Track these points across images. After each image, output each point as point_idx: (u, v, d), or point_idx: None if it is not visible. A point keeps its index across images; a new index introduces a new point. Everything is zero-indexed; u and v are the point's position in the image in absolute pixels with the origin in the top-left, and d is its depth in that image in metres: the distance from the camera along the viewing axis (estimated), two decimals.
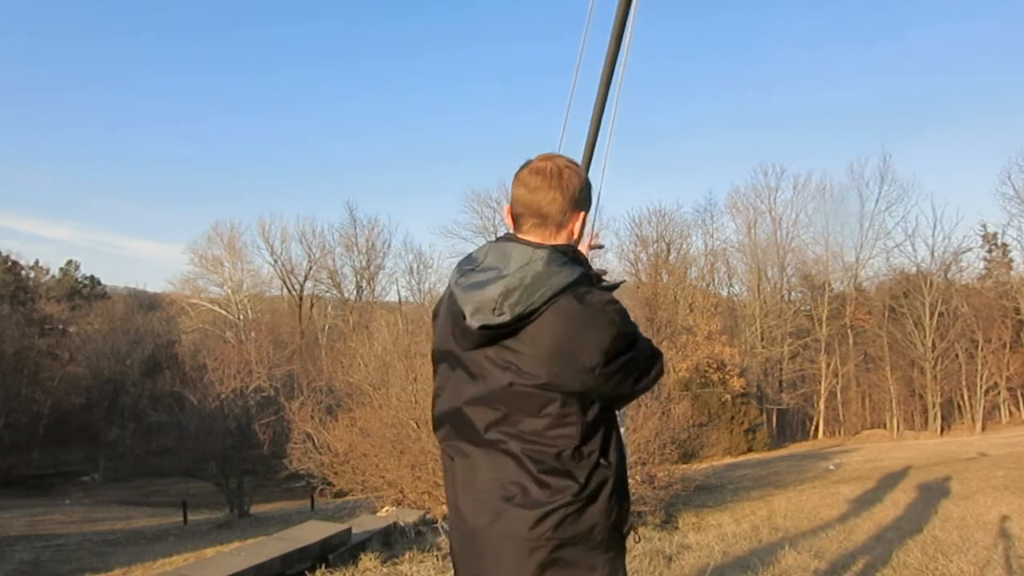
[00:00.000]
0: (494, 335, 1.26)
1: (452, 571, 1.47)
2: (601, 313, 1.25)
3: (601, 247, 2.39)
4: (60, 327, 35.16)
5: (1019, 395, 33.69)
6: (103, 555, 11.93)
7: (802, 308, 38.04)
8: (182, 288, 39.30)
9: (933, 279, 33.67)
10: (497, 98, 64.35)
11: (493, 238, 1.40)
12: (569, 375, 1.24)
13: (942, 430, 32.92)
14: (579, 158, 1.86)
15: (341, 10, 62.60)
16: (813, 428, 35.94)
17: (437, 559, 4.54)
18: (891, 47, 55.77)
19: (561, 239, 1.35)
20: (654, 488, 10.79)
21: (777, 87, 60.22)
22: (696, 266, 39.68)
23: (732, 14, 59.37)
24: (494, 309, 1.22)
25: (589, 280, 1.31)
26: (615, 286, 1.42)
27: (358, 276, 41.72)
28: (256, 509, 19.02)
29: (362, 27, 62.65)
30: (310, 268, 40.63)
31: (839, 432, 35.07)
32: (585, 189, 1.37)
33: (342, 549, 4.85)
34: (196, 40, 61.08)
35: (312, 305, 41.37)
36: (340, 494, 12.57)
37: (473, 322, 1.25)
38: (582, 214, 1.37)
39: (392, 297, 40.88)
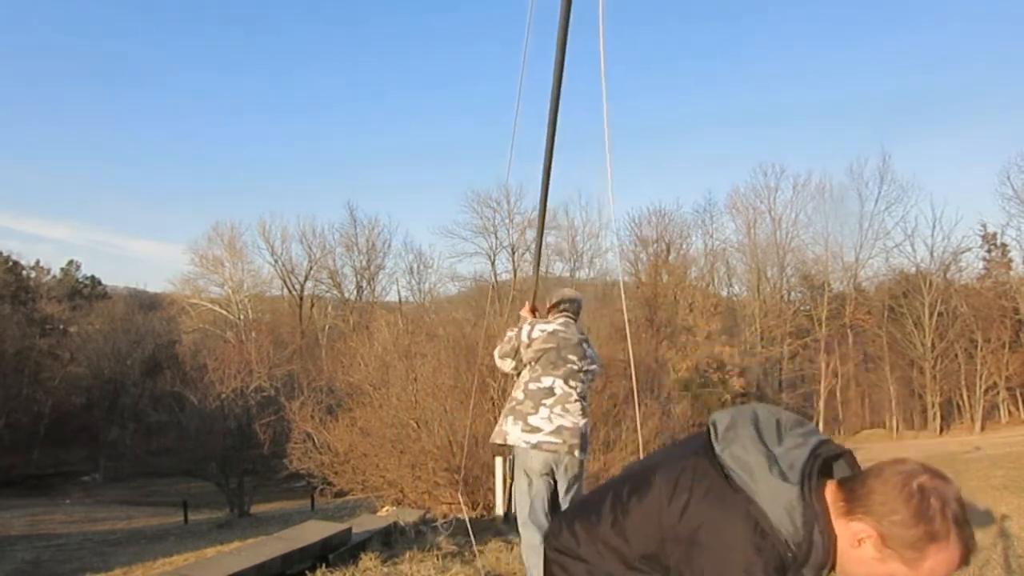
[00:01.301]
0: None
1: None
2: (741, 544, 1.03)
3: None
4: (61, 327, 35.18)
5: (1018, 395, 33.69)
6: (104, 555, 11.94)
7: (802, 308, 38.04)
8: (182, 288, 39.32)
9: (932, 279, 33.67)
10: (498, 98, 64.31)
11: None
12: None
13: (941, 430, 32.94)
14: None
15: (341, 10, 62.62)
16: None
17: (437, 559, 4.55)
18: (891, 46, 55.76)
19: (842, 524, 1.06)
20: None
21: (776, 86, 60.19)
22: (696, 266, 39.71)
23: (731, 13, 59.36)
24: (728, 428, 1.16)
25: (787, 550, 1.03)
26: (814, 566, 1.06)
27: (358, 276, 41.75)
28: (256, 509, 19.03)
29: (362, 27, 62.66)
30: (310, 268, 40.67)
31: (839, 432, 35.07)
32: (903, 541, 1.00)
33: (342, 549, 4.86)
34: (196, 40, 61.09)
35: (312, 305, 41.36)
36: (340, 494, 12.57)
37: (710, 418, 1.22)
38: (891, 559, 1.01)
39: (392, 297, 40.91)
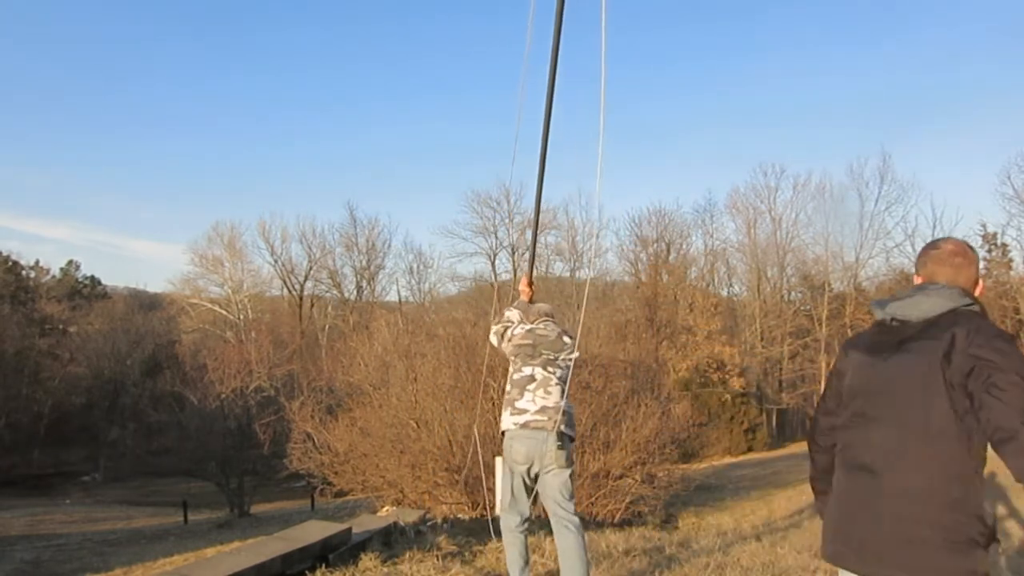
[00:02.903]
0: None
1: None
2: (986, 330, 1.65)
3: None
4: (61, 327, 35.16)
5: None
6: (104, 555, 11.95)
7: (802, 308, 38.00)
8: (182, 288, 39.32)
9: None
10: (499, 98, 64.32)
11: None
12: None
13: None
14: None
15: (341, 11, 62.65)
16: None
17: (437, 559, 4.55)
18: (890, 46, 55.78)
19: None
20: (654, 488, 10.81)
21: (776, 86, 60.18)
22: (696, 266, 39.69)
23: (731, 13, 59.36)
24: (889, 299, 1.83)
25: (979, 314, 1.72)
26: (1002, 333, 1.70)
27: (358, 276, 41.74)
28: (256, 509, 19.05)
29: (362, 28, 62.68)
30: (310, 268, 40.66)
31: None
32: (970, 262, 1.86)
33: (342, 549, 4.84)
34: (196, 40, 61.15)
35: (312, 305, 41.36)
36: (340, 494, 12.56)
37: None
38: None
39: (392, 297, 40.92)
